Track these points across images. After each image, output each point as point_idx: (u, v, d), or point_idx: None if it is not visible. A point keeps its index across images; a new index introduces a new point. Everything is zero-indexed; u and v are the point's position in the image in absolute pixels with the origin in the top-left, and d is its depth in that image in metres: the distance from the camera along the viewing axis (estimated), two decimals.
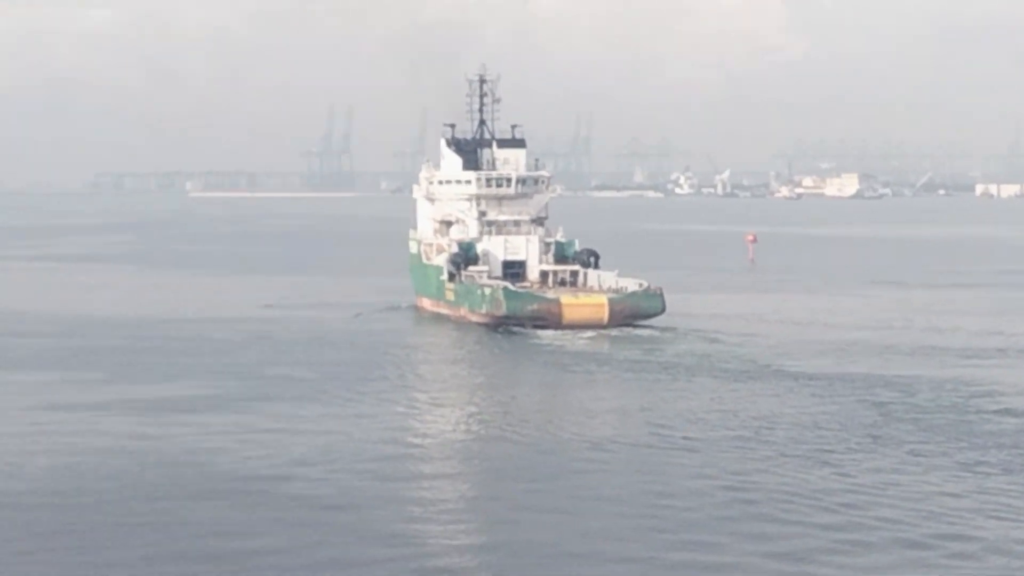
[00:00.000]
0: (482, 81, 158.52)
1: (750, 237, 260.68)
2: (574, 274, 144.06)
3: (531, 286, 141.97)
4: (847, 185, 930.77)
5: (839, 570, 51.76)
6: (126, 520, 58.82)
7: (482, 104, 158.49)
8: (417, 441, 77.42)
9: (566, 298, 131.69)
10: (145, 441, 76.07)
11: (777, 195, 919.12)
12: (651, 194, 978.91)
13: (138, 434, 78.09)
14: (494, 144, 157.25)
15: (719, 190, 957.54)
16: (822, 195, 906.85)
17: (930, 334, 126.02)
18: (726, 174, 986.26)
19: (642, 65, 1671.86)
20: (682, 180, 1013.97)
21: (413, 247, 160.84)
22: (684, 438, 76.45)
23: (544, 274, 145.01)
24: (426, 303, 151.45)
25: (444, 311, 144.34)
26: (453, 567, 52.65)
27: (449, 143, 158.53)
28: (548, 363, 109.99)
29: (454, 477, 69.19)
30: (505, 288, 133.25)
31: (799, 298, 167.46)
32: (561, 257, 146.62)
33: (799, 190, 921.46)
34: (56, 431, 79.26)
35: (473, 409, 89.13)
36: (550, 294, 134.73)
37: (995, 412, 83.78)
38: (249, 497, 62.80)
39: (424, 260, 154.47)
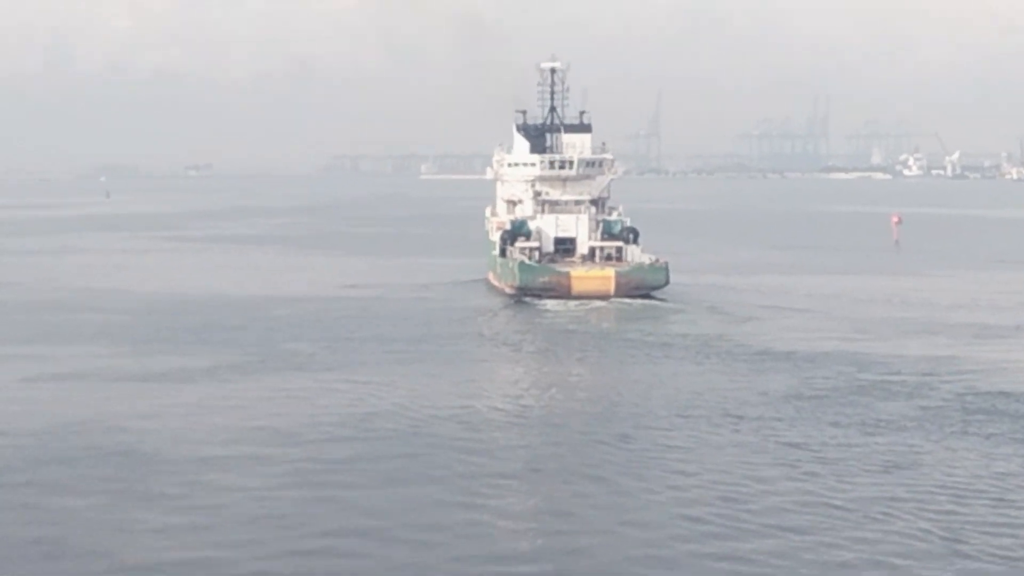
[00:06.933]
0: (552, 71, 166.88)
1: (895, 219, 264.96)
2: (619, 250, 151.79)
3: (578, 260, 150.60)
4: None
5: None
6: None
7: (553, 92, 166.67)
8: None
9: (575, 271, 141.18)
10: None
11: (1007, 177, 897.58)
12: (879, 176, 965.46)
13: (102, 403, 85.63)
14: (562, 129, 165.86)
15: (948, 172, 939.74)
16: None
17: (995, 314, 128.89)
18: (956, 155, 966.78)
19: (890, 45, 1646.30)
20: (911, 162, 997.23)
21: (487, 225, 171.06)
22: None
23: (592, 250, 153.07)
24: (490, 276, 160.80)
25: (496, 284, 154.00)
26: None
27: (519, 128, 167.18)
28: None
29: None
30: (520, 262, 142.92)
31: (900, 279, 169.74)
32: (609, 234, 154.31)
33: None
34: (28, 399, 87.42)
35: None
36: (561, 268, 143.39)
37: (922, 393, 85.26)
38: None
39: (490, 237, 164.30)
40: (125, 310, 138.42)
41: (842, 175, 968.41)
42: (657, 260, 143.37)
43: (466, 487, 63.00)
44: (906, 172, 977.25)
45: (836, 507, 58.81)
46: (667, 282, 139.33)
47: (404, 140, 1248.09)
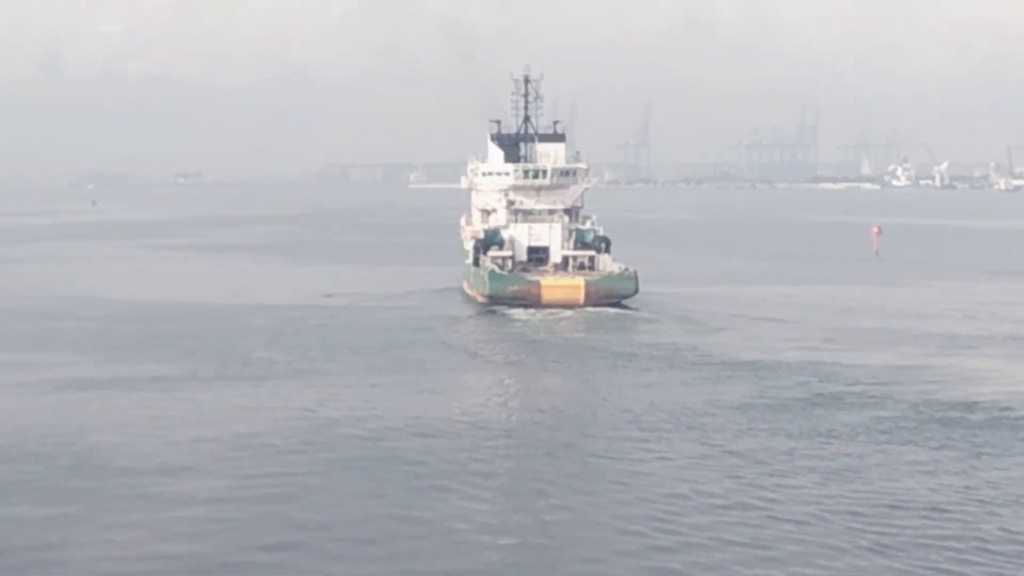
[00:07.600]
0: (527, 80, 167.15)
1: (875, 229, 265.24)
2: (591, 259, 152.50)
3: (550, 269, 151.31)
4: None
5: None
6: None
7: (526, 101, 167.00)
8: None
9: (545, 280, 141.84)
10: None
11: (995, 187, 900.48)
12: (867, 186, 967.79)
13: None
14: (536, 138, 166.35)
15: (937, 182, 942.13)
16: None
17: (967, 323, 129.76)
18: (944, 165, 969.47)
19: (879, 52, 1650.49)
20: (899, 172, 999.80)
21: (462, 234, 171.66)
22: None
23: (565, 259, 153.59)
24: (465, 285, 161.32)
25: (470, 293, 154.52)
26: None
27: (493, 138, 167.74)
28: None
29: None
30: (490, 271, 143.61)
31: (876, 289, 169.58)
32: (582, 243, 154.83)
33: (1016, 182, 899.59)
34: None
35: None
36: (531, 276, 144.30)
37: (847, 400, 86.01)
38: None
39: (465, 246, 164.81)
40: (97, 318, 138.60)
41: (831, 185, 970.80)
42: (626, 269, 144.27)
43: (410, 501, 62.90)
44: (895, 182, 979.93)
45: (776, 519, 58.90)
46: (636, 291, 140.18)
47: (394, 149, 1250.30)
